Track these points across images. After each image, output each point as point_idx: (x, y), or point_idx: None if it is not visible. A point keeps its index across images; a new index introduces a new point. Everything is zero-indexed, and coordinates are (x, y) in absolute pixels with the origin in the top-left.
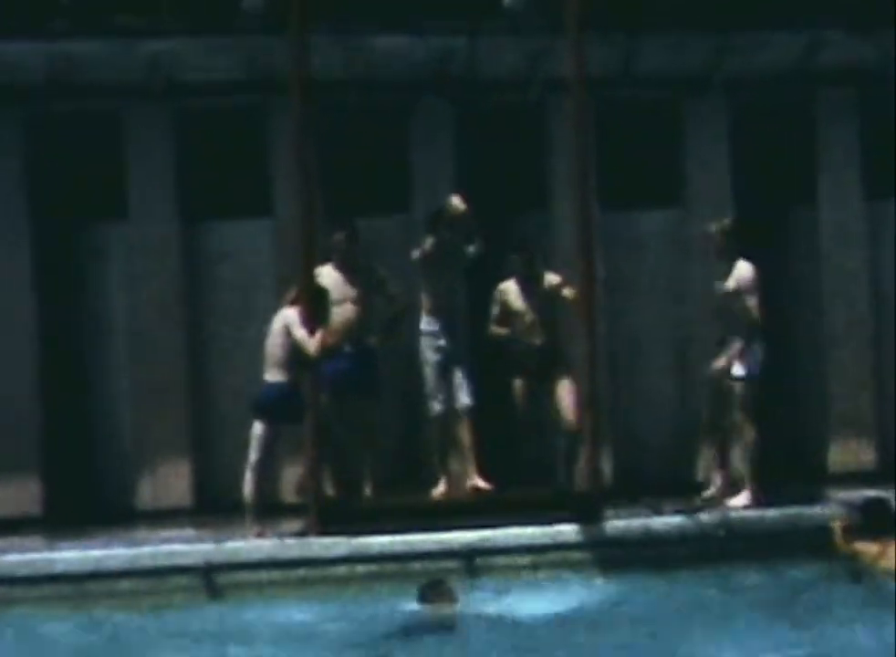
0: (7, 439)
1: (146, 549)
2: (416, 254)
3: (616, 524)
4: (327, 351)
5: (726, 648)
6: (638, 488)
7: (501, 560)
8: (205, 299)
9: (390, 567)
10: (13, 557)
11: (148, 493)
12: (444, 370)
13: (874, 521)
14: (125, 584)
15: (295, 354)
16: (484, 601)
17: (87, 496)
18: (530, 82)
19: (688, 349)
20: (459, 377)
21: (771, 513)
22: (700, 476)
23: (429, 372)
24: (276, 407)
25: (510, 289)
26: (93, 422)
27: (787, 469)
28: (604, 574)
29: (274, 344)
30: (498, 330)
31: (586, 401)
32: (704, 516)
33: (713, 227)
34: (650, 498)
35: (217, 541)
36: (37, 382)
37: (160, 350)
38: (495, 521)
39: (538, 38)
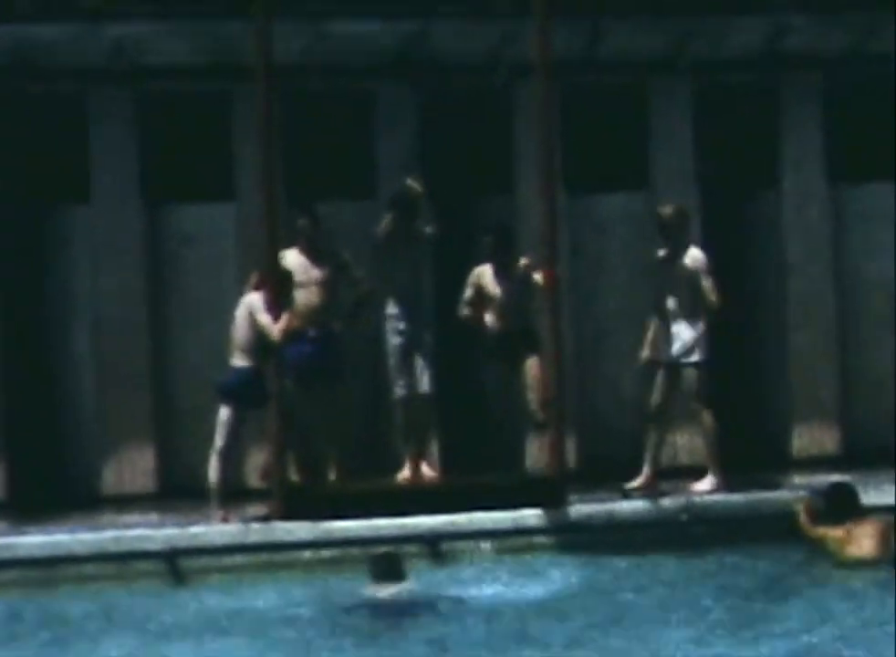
0: None
1: (110, 534)
2: (377, 233)
3: (580, 509)
4: (291, 336)
5: (687, 631)
6: (602, 473)
7: (465, 545)
8: (169, 284)
9: (355, 551)
10: None
11: (112, 478)
12: (407, 355)
13: (838, 506)
14: (89, 569)
15: (259, 339)
16: (447, 586)
17: (51, 481)
18: (495, 66)
19: None
20: (420, 362)
21: (735, 498)
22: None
23: (392, 356)
24: (241, 392)
25: (485, 273)
26: (57, 407)
27: (751, 454)
28: (568, 559)
29: (238, 329)
30: (469, 314)
31: (550, 385)
32: (668, 502)
33: (665, 210)
34: (618, 483)
35: (181, 526)
36: (1, 368)
37: (124, 335)
38: (460, 506)
39: (503, 22)
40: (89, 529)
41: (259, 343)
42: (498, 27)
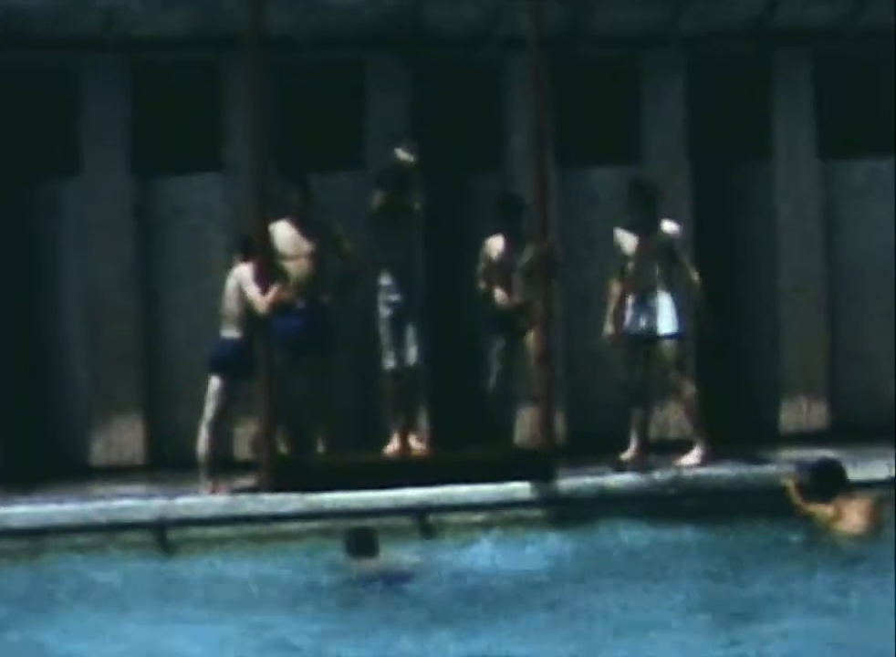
0: None
1: (99, 505)
2: (370, 207)
3: (569, 482)
4: (280, 308)
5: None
6: (591, 447)
7: (454, 518)
8: (159, 254)
9: (343, 523)
10: None
11: (102, 449)
12: (398, 326)
13: (825, 484)
14: (78, 539)
15: (248, 311)
16: (437, 559)
17: (41, 452)
18: (487, 39)
19: None
20: (411, 334)
21: (723, 471)
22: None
23: (382, 328)
24: (232, 363)
25: (494, 244)
26: (47, 378)
27: (739, 428)
28: (557, 532)
29: (229, 301)
30: (483, 287)
31: (539, 358)
32: (657, 475)
33: (643, 179)
34: (607, 456)
35: (170, 497)
36: None
37: (113, 306)
38: (449, 479)
39: None
40: (78, 500)
41: (248, 315)
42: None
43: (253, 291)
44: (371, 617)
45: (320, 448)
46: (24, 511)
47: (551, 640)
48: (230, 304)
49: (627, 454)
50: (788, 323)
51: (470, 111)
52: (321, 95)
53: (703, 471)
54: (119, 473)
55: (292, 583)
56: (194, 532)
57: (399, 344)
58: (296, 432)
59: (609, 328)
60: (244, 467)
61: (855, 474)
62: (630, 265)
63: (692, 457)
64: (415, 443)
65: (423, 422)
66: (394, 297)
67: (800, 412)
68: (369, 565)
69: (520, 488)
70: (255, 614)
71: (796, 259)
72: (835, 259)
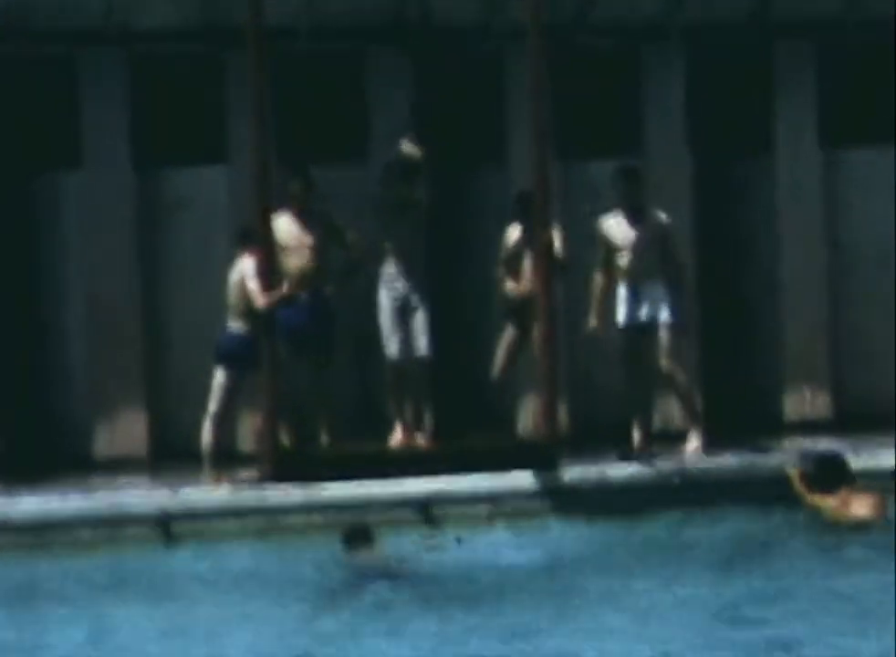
0: None
1: (102, 498)
2: (379, 200)
3: (572, 472)
4: (282, 301)
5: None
6: (595, 436)
7: (458, 509)
8: (161, 247)
9: (346, 516)
10: None
11: (105, 441)
12: (401, 316)
13: (828, 476)
14: (81, 532)
15: (249, 304)
16: (440, 549)
17: (43, 445)
18: (487, 31)
19: None
20: (420, 325)
21: (727, 461)
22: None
23: (383, 317)
24: (237, 355)
25: (511, 235)
26: (49, 371)
27: (743, 418)
28: (560, 521)
29: (234, 293)
30: (499, 276)
31: (542, 349)
32: (660, 465)
33: (633, 166)
34: (610, 445)
35: (173, 489)
36: None
37: (116, 299)
38: (452, 469)
39: None
40: (81, 493)
41: (250, 308)
42: None
43: (253, 285)
44: (369, 610)
45: (323, 439)
46: (27, 505)
47: (555, 631)
48: (235, 297)
49: (632, 445)
50: (791, 313)
51: (471, 103)
52: (322, 87)
53: (707, 461)
54: (122, 466)
55: (292, 576)
56: (198, 525)
57: (403, 334)
58: (299, 424)
59: (594, 321)
60: (247, 459)
61: (858, 463)
62: (622, 256)
63: (692, 444)
64: (418, 434)
65: (426, 412)
66: (398, 287)
67: (803, 402)
68: (366, 558)
69: (524, 478)
70: (254, 606)
71: (798, 250)
72: (837, 248)
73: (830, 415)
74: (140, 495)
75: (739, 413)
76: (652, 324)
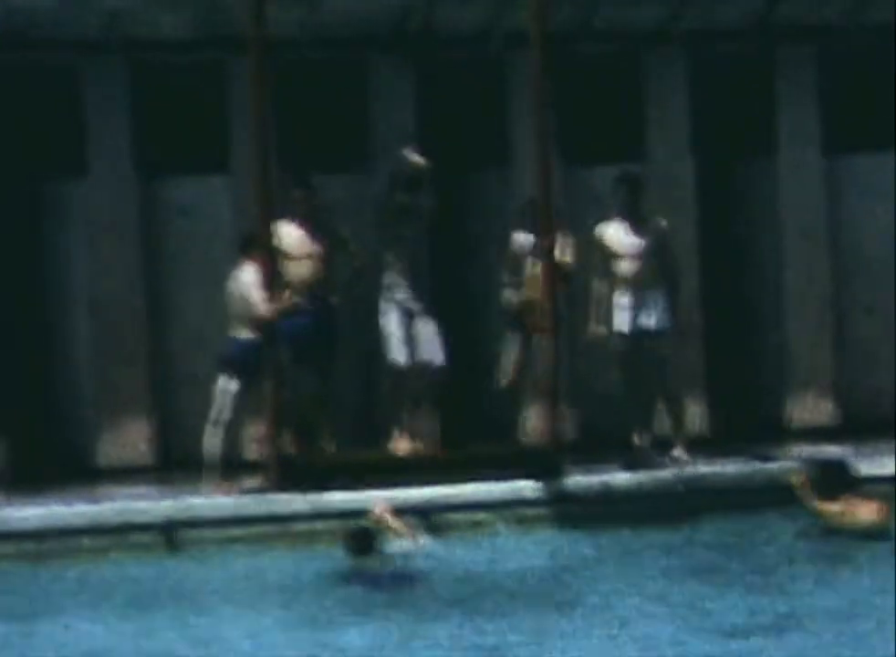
0: None
1: (107, 506)
2: (384, 208)
3: (576, 480)
4: (286, 310)
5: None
6: (599, 444)
7: (460, 517)
8: (165, 256)
9: (351, 523)
10: None
11: (110, 449)
12: (406, 326)
13: (832, 482)
14: (86, 541)
15: (252, 313)
16: (442, 557)
17: (48, 453)
18: (490, 37)
19: None
20: (428, 334)
21: (731, 468)
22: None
23: (385, 324)
24: (242, 363)
25: (516, 241)
26: (54, 380)
27: (746, 425)
28: (564, 530)
29: (239, 302)
30: (506, 281)
31: (545, 356)
32: (664, 472)
33: (633, 173)
34: (614, 453)
35: (178, 498)
36: None
37: (121, 307)
38: (456, 477)
39: None
40: (86, 501)
41: (254, 316)
42: None
43: (257, 296)
44: (372, 615)
45: (327, 447)
46: (32, 513)
47: (558, 639)
48: (240, 305)
49: (634, 452)
50: (794, 319)
51: (473, 110)
52: (324, 95)
53: (710, 468)
54: (126, 474)
55: (294, 583)
56: (203, 533)
57: (409, 341)
58: (303, 432)
59: (597, 328)
60: (252, 467)
61: (862, 469)
62: (622, 263)
63: (677, 451)
64: (417, 444)
65: (430, 420)
66: (402, 296)
67: (807, 408)
68: (368, 564)
69: (527, 486)
70: (259, 614)
71: (801, 255)
72: (840, 255)
73: (834, 422)
74: (146, 504)
75: (742, 419)
76: (659, 331)
